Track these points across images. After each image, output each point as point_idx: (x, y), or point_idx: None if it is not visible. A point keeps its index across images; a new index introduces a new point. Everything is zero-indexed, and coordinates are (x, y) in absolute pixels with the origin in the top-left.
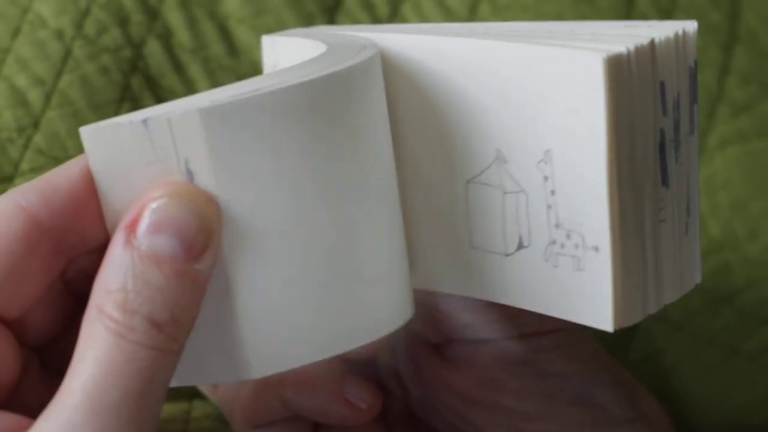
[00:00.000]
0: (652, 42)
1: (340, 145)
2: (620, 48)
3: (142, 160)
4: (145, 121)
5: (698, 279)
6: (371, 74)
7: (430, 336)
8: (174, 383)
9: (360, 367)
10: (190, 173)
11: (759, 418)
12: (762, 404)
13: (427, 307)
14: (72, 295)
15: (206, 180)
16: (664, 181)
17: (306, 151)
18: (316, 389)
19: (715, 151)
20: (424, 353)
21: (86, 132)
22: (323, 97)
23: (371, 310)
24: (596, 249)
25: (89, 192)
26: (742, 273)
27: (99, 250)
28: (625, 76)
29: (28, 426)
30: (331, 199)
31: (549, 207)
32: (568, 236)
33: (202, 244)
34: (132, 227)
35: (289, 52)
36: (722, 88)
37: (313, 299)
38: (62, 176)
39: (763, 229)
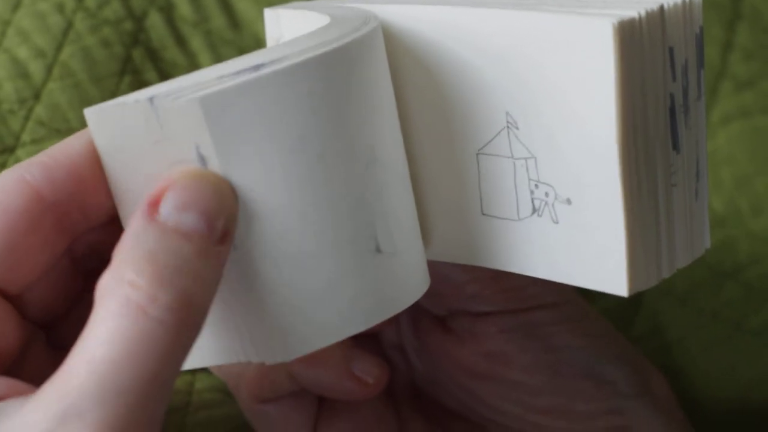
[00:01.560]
0: (662, 7)
1: (349, 119)
2: (632, 13)
3: (149, 138)
4: (151, 99)
5: (707, 244)
6: (375, 47)
7: (435, 309)
8: (189, 366)
9: (364, 342)
10: (201, 157)
11: (763, 393)
12: (766, 380)
13: (432, 280)
14: (80, 272)
15: (217, 162)
16: (675, 146)
17: (314, 128)
18: (323, 364)
19: (718, 127)
20: (428, 327)
21: (91, 113)
22: (328, 71)
23: (389, 284)
24: (569, 201)
25: (92, 167)
26: (746, 248)
27: (104, 227)
28: (636, 41)
29: (27, 391)
30: (343, 175)
31: (560, 172)
32: (579, 198)
33: (223, 226)
34: (154, 205)
35: (293, 25)
36: (725, 64)
37: (330, 278)
38: (65, 151)
39: (767, 205)
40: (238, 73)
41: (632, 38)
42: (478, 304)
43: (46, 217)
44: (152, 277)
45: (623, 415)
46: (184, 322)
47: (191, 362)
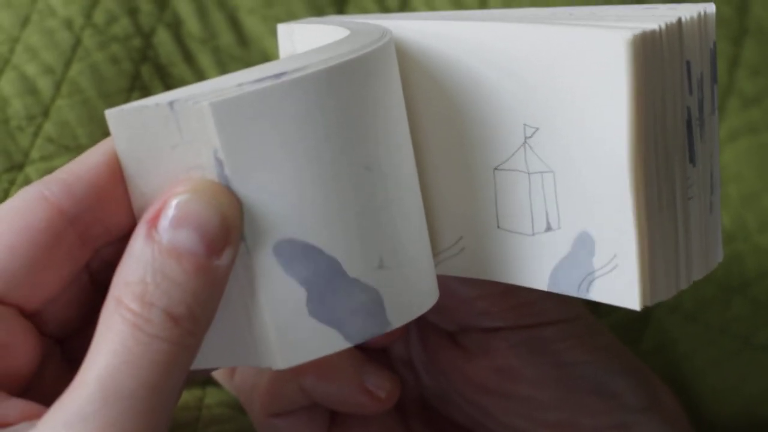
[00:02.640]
0: (680, 21)
1: (360, 132)
2: (652, 26)
3: (168, 142)
4: (171, 104)
5: (720, 258)
6: (389, 61)
7: (445, 324)
8: (194, 366)
9: (373, 356)
10: (219, 163)
11: None
12: None
13: (442, 296)
14: (96, 286)
15: (231, 167)
16: (691, 159)
17: (326, 139)
18: (336, 377)
19: (725, 143)
20: (438, 342)
21: (112, 114)
22: (344, 82)
23: (397, 296)
24: (583, 215)
25: (112, 181)
26: (753, 263)
27: (123, 240)
28: (657, 53)
29: (40, 413)
30: (351, 189)
31: (574, 186)
32: (593, 212)
33: (222, 240)
34: (153, 221)
35: (307, 39)
36: (732, 80)
37: (337, 287)
38: (84, 165)
39: None
40: (258, 81)
41: (653, 50)
42: (487, 320)
43: (68, 231)
44: (143, 301)
45: (630, 430)
46: (180, 339)
47: (197, 363)
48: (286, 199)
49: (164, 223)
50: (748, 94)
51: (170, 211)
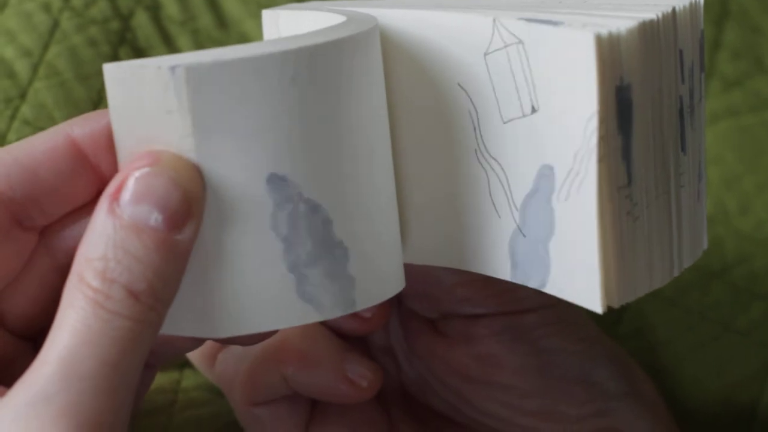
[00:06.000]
0: (674, 10)
1: (336, 113)
2: (650, 15)
3: (164, 107)
4: (173, 68)
5: (705, 245)
6: (371, 45)
7: (426, 312)
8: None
9: (354, 344)
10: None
11: (750, 394)
12: (753, 380)
13: (423, 282)
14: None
15: (199, 135)
16: (683, 148)
17: (299, 118)
18: (318, 367)
19: (706, 127)
20: (419, 330)
21: (110, 69)
22: (321, 64)
23: (363, 279)
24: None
25: (51, 168)
26: (733, 248)
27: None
28: (655, 43)
29: (2, 393)
30: (321, 166)
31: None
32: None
33: (184, 214)
34: (115, 195)
35: (294, 26)
36: (713, 63)
37: (285, 270)
38: (26, 149)
39: (754, 204)
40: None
41: (652, 40)
42: (468, 307)
43: (2, 213)
44: (104, 277)
45: (610, 417)
46: (141, 315)
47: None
48: (241, 177)
49: (125, 197)
50: (729, 76)
51: (130, 186)
